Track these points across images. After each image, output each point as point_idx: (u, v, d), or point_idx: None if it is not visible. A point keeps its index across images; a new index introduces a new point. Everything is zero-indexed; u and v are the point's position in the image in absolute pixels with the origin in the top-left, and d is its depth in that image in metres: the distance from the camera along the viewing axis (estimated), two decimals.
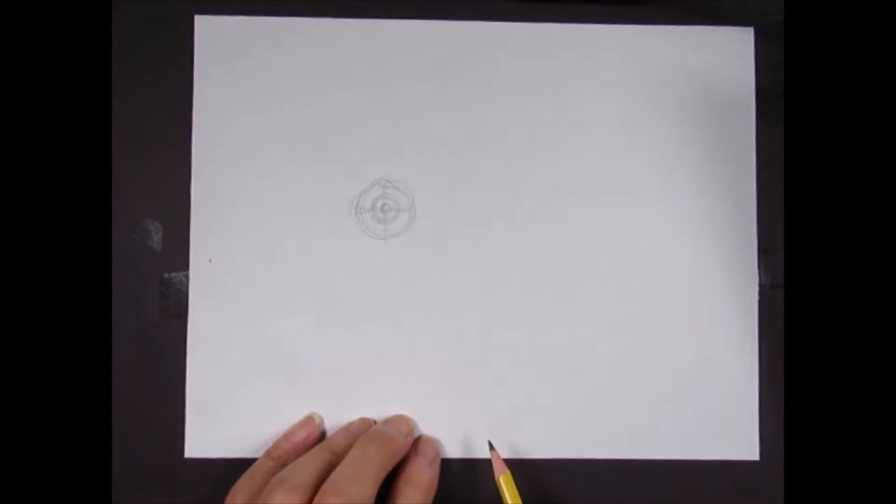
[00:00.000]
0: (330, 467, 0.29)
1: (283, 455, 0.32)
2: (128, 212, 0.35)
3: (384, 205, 0.35)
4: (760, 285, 0.35)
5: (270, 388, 0.34)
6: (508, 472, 0.32)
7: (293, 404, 0.34)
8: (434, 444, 0.34)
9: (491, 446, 0.33)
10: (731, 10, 0.36)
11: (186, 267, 0.34)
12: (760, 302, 0.35)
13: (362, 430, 0.33)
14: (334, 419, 0.34)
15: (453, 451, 0.34)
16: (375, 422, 0.34)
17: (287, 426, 0.34)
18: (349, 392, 0.34)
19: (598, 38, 0.36)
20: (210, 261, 0.34)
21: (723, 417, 0.34)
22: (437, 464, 0.33)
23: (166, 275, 0.35)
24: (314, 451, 0.31)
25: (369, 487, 0.28)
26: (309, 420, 0.34)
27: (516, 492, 0.32)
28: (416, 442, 0.33)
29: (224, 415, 0.34)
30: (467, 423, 0.34)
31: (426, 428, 0.34)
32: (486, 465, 0.34)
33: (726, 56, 0.36)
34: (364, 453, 0.30)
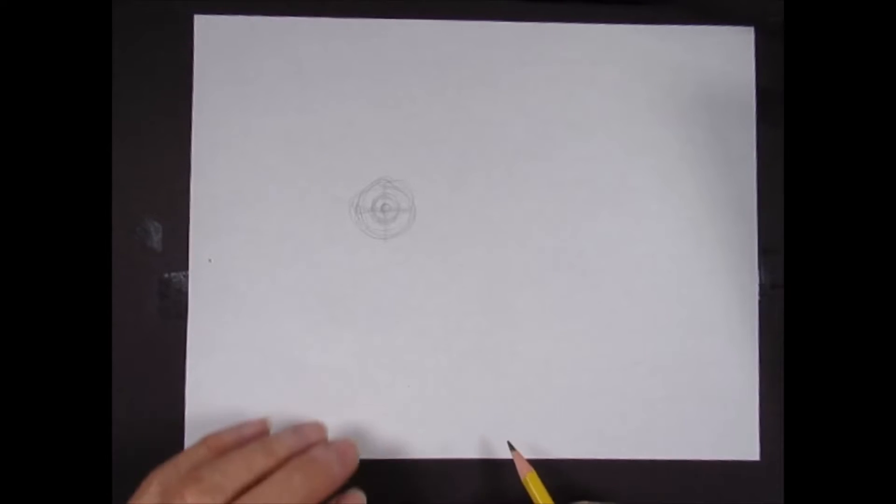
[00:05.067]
0: (260, 473, 0.27)
1: (223, 448, 0.29)
2: (128, 212, 0.35)
3: (384, 205, 0.35)
4: (760, 285, 0.35)
5: (270, 389, 0.34)
6: (533, 471, 0.32)
7: (293, 404, 0.34)
8: (362, 500, 0.31)
9: (511, 447, 0.33)
10: (731, 10, 0.36)
11: (186, 267, 0.34)
12: (760, 302, 0.35)
13: (313, 437, 0.30)
14: (334, 419, 0.34)
15: (452, 450, 0.34)
16: (323, 438, 0.32)
17: (286, 426, 0.34)
18: (349, 392, 0.34)
19: (598, 38, 0.36)
20: (210, 261, 0.34)
21: (723, 417, 0.34)
22: None
23: (166, 275, 0.35)
24: (249, 449, 0.28)
25: None
26: (261, 422, 0.32)
27: (544, 490, 0.32)
28: (343, 497, 0.30)
29: (224, 415, 0.34)
30: (466, 423, 0.34)
31: (425, 426, 0.34)
32: (487, 464, 0.34)
33: (726, 56, 0.36)
34: (289, 481, 0.27)
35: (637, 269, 0.35)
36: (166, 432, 0.34)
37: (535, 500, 0.32)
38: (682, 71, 0.35)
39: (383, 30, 0.35)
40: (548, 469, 0.33)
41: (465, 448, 0.34)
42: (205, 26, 0.35)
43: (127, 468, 0.34)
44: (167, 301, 0.35)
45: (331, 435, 0.34)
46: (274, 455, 0.28)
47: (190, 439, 0.34)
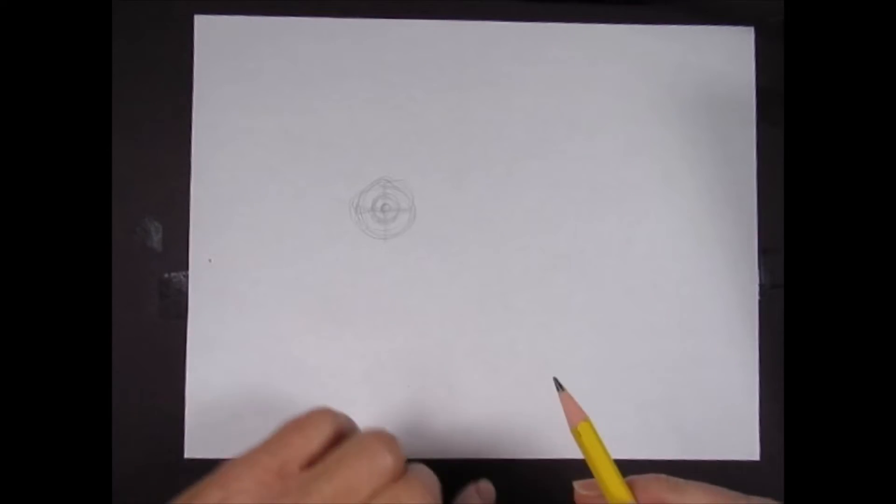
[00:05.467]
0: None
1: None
2: (128, 212, 0.35)
3: (384, 205, 0.35)
4: (760, 285, 0.35)
5: (270, 388, 0.34)
6: (589, 419, 0.25)
7: (293, 404, 0.34)
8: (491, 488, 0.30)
9: (559, 385, 0.26)
10: (731, 10, 0.36)
11: (186, 267, 0.34)
12: (760, 302, 0.35)
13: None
14: None
15: (452, 451, 0.34)
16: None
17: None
18: (349, 391, 0.34)
19: (598, 38, 0.36)
20: (210, 261, 0.34)
21: (723, 417, 0.34)
22: None
23: (166, 275, 0.35)
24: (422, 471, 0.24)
25: None
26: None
27: (600, 442, 0.24)
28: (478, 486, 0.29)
29: (224, 415, 0.34)
30: (468, 423, 0.34)
31: (426, 428, 0.34)
32: (487, 464, 0.34)
33: (726, 56, 0.36)
34: (417, 484, 0.23)
35: (637, 269, 0.35)
36: (166, 432, 0.34)
37: (587, 456, 0.25)
38: (683, 71, 0.35)
39: (383, 30, 0.35)
40: (548, 468, 0.33)
41: (465, 448, 0.34)
42: (205, 26, 0.35)
43: (127, 468, 0.34)
44: (167, 301, 0.35)
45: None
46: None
47: (190, 439, 0.34)
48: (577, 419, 0.24)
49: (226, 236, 0.35)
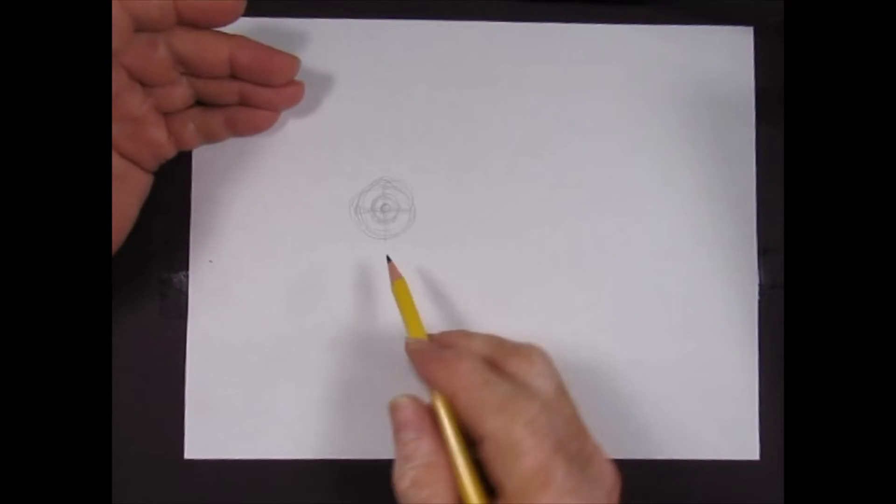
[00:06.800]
0: None
1: None
2: None
3: (384, 205, 0.35)
4: (760, 285, 0.35)
5: (270, 388, 0.34)
6: (403, 277, 0.32)
7: (293, 404, 0.34)
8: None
9: (388, 259, 0.33)
10: (731, 10, 0.36)
11: (186, 267, 0.34)
12: (760, 302, 0.35)
13: None
14: (335, 420, 0.34)
15: None
16: None
17: (287, 426, 0.34)
18: (349, 392, 0.34)
19: (598, 38, 0.36)
20: (210, 261, 0.34)
21: (723, 417, 0.34)
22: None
23: (166, 275, 0.35)
24: None
25: None
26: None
27: (411, 299, 0.31)
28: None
29: (224, 415, 0.34)
30: None
31: None
32: None
33: (726, 56, 0.36)
34: None
35: (637, 269, 0.35)
36: (166, 432, 0.34)
37: (400, 307, 0.31)
38: (682, 71, 0.35)
39: (383, 30, 0.35)
40: None
41: None
42: None
43: (127, 469, 0.34)
44: (167, 301, 0.34)
45: (334, 436, 0.34)
46: None
47: (190, 439, 0.34)
48: (395, 277, 0.32)
49: (226, 236, 0.35)
